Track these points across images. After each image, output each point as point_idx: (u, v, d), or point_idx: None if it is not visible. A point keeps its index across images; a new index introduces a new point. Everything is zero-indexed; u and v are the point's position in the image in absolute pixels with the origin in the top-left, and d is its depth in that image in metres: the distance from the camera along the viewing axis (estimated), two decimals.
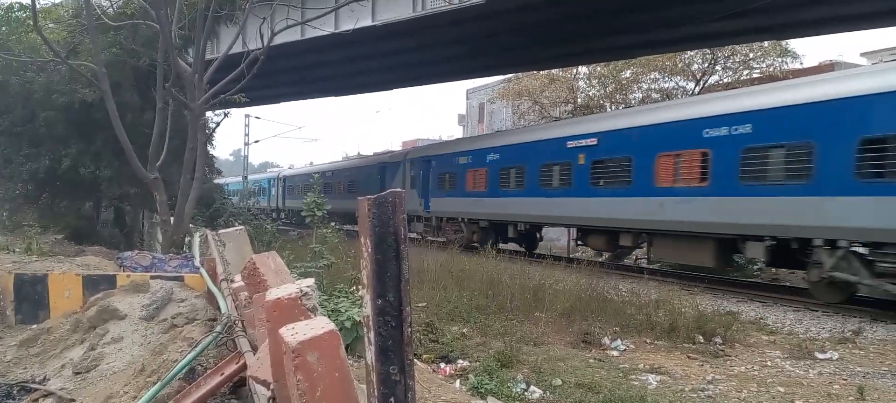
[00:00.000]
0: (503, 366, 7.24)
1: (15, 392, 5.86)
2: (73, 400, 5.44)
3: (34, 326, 7.22)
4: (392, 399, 1.85)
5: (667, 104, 19.21)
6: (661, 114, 15.52)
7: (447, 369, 7.32)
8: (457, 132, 58.55)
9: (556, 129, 20.11)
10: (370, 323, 1.88)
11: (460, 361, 7.60)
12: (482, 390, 6.39)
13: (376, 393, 1.87)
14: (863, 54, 36.72)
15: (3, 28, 18.43)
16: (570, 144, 18.13)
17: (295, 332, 2.36)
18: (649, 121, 15.61)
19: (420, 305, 10.45)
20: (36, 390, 5.83)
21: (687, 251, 14.51)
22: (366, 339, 1.97)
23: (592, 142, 17.33)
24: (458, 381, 6.78)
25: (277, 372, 2.89)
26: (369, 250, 1.86)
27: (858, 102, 10.96)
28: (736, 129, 12.99)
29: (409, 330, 1.87)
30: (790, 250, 12.22)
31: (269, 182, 55.29)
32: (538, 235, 22.63)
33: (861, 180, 10.83)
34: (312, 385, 2.30)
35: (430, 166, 26.76)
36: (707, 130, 13.57)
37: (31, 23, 13.67)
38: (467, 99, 56.61)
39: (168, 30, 12.78)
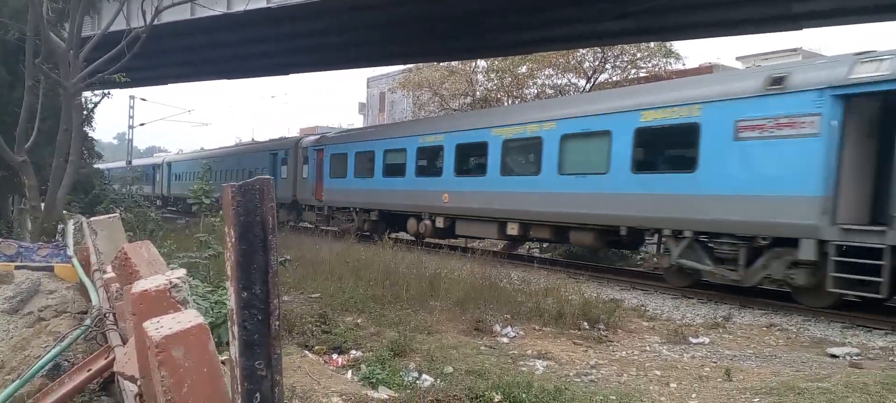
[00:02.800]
0: (396, 355, 7.23)
1: None
2: None
3: None
4: (258, 395, 1.79)
5: None
6: None
7: (339, 360, 7.22)
8: (358, 121, 58.06)
9: None
10: (234, 316, 1.81)
11: (353, 352, 7.51)
12: (373, 379, 6.35)
13: (240, 390, 1.80)
14: (738, 58, 39.59)
15: None
16: None
17: (159, 326, 2.24)
18: None
19: (314, 296, 10.26)
20: None
21: None
22: (230, 333, 1.89)
23: None
24: (349, 372, 6.71)
25: (144, 368, 2.74)
26: (233, 240, 1.78)
27: None
28: None
29: (277, 323, 1.81)
30: None
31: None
32: None
33: None
34: (178, 381, 2.19)
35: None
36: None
37: None
38: (368, 87, 56.20)
39: (38, 2, 11.80)
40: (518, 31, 22.07)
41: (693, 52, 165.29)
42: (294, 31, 22.08)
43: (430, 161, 19.94)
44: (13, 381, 3.80)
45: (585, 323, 9.42)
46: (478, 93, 32.31)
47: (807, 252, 10.40)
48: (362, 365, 6.78)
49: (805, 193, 10.48)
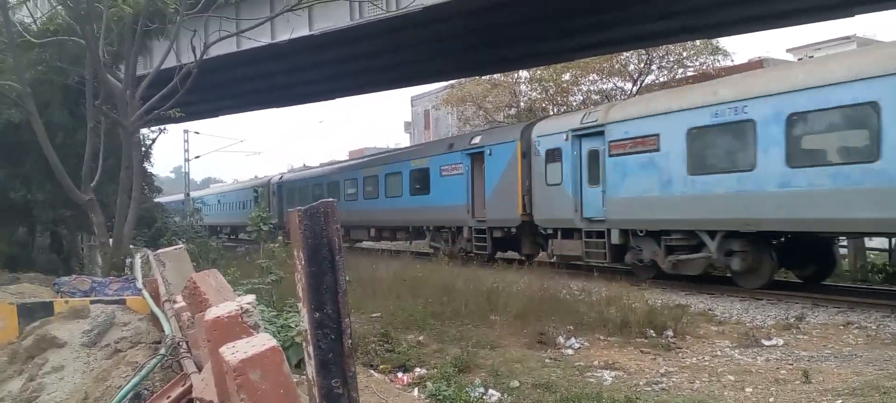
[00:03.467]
0: (461, 372, 7.20)
1: None
2: None
3: None
4: None
5: None
6: None
7: (404, 378, 7.23)
8: (404, 140, 58.52)
9: None
10: (309, 336, 1.80)
11: (417, 369, 7.52)
12: (440, 396, 6.33)
13: None
14: (788, 50, 38.30)
15: None
16: None
17: (235, 350, 2.25)
18: None
19: (374, 315, 10.32)
20: None
21: None
22: (306, 353, 1.89)
23: None
24: (415, 389, 6.71)
25: (221, 392, 2.77)
26: (303, 262, 1.78)
27: None
28: None
29: (350, 341, 1.80)
30: None
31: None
32: None
33: None
34: None
35: None
36: None
37: None
38: (412, 106, 56.63)
39: (95, 46, 12.29)
40: (558, 38, 21.88)
41: (741, 47, 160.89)
42: (336, 57, 22.42)
43: (350, 189, 29.34)
44: None
45: (652, 331, 9.18)
46: (522, 103, 32.12)
47: (466, 233, 20.87)
48: (428, 383, 6.77)
49: (462, 203, 20.80)
